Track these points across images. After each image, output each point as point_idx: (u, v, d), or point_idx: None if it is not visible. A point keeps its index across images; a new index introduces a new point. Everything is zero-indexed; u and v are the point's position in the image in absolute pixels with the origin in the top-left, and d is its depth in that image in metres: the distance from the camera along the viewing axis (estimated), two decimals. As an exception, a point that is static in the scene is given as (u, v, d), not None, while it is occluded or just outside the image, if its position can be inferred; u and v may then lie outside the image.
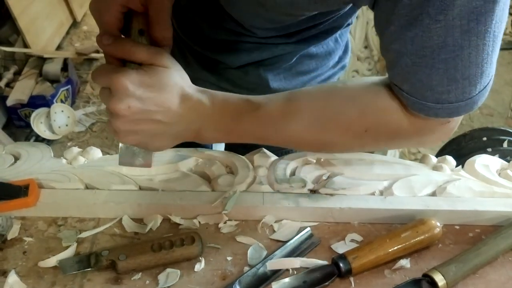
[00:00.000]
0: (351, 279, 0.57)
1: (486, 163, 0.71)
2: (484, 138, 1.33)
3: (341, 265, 0.56)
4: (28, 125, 2.16)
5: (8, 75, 2.25)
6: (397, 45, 0.50)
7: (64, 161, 0.70)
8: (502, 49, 0.55)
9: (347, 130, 0.57)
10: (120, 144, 0.58)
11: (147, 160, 0.59)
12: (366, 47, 1.95)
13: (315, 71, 0.79)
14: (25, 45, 2.38)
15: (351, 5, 0.57)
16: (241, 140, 0.60)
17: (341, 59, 0.83)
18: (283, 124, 0.57)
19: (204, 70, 0.76)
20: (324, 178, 0.68)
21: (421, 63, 0.49)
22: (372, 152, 0.76)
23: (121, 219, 0.63)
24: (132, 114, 0.51)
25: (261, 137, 0.60)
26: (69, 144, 2.21)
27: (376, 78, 0.58)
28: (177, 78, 0.53)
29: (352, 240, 0.62)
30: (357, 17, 1.79)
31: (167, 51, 0.53)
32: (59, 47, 2.74)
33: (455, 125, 0.58)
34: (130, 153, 0.58)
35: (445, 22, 0.45)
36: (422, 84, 0.51)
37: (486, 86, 0.52)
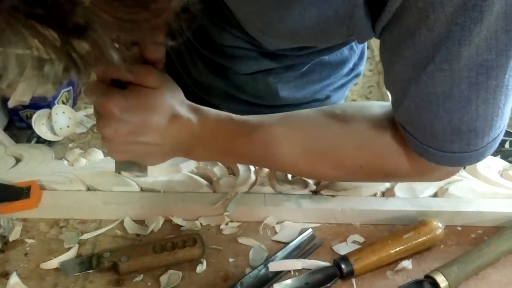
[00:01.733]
0: (353, 280, 0.57)
1: (488, 164, 0.71)
2: (486, 139, 1.32)
3: (343, 266, 0.56)
4: (29, 127, 2.15)
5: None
6: (401, 85, 0.47)
7: (65, 162, 0.70)
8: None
9: (340, 165, 0.55)
10: None
11: (143, 169, 0.59)
12: (367, 47, 1.95)
13: (327, 79, 0.75)
14: (27, 46, 2.38)
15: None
16: (234, 161, 0.59)
17: (356, 65, 0.79)
18: (275, 151, 0.55)
19: (211, 74, 0.74)
20: (325, 179, 0.68)
21: (425, 108, 0.46)
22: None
23: (122, 220, 0.63)
24: (120, 137, 0.50)
25: (253, 160, 0.59)
26: (70, 145, 2.21)
27: (382, 110, 0.55)
28: (166, 98, 0.51)
29: (354, 242, 0.62)
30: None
31: (158, 68, 0.51)
32: (60, 48, 2.74)
33: (459, 168, 0.54)
34: (125, 162, 0.58)
35: (451, 72, 0.42)
36: (425, 128, 0.49)
37: (495, 138, 0.49)
